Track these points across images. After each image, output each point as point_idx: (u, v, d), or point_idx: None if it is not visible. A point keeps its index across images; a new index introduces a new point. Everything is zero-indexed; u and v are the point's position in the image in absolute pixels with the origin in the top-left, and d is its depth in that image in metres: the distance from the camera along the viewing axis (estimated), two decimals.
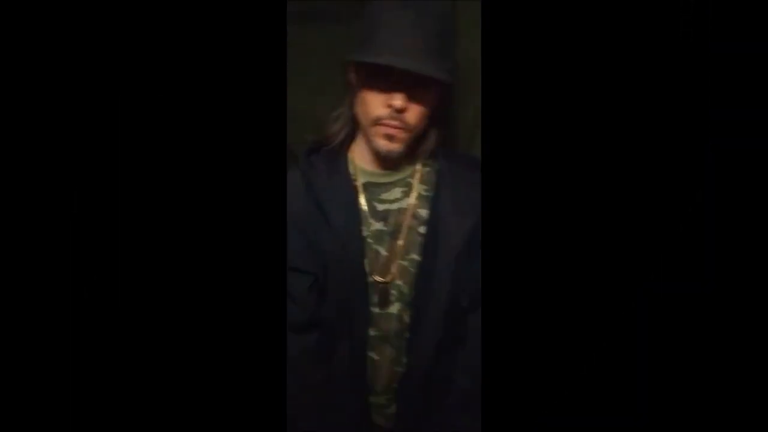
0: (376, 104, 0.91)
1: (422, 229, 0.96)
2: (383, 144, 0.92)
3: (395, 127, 0.91)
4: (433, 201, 0.97)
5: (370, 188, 0.98)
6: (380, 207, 0.97)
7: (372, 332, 0.94)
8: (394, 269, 0.95)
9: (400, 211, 0.97)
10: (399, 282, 0.95)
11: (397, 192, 0.98)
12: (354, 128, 0.99)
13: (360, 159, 1.00)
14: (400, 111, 0.89)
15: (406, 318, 0.94)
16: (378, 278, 0.95)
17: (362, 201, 0.97)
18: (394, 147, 0.92)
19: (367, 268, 0.94)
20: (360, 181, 0.98)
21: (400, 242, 0.95)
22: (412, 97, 0.90)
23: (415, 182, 0.98)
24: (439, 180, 0.99)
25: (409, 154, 0.97)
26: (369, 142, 0.95)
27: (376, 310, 0.94)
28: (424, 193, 0.98)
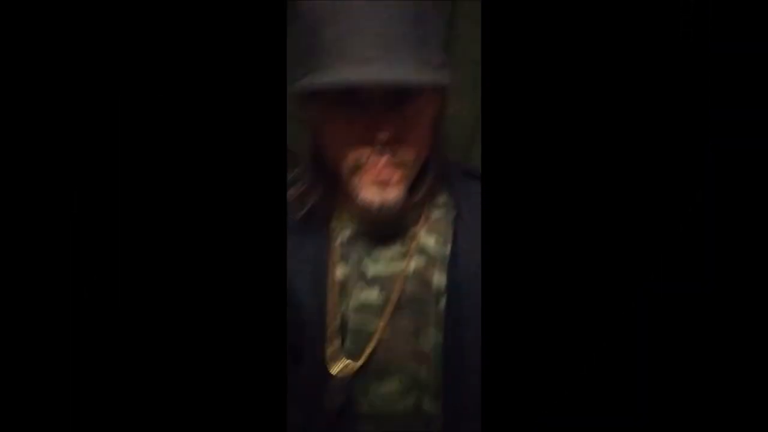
0: (350, 144, 0.64)
1: (438, 301, 0.68)
2: (373, 195, 0.64)
3: (386, 168, 0.64)
4: (450, 261, 0.69)
5: (358, 244, 0.70)
6: (373, 270, 0.69)
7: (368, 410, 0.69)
8: (395, 352, 0.68)
9: (396, 277, 0.68)
10: (413, 365, 0.68)
11: (393, 249, 0.70)
12: (326, 188, 0.70)
13: (343, 208, 0.72)
14: (388, 144, 0.63)
15: (429, 408, 0.69)
16: (340, 368, 0.68)
17: (346, 265, 0.70)
18: (391, 196, 0.64)
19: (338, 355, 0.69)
20: (344, 236, 0.70)
21: (405, 321, 0.68)
22: (400, 122, 0.63)
23: (421, 235, 0.70)
24: (457, 230, 0.70)
25: (409, 197, 0.68)
26: (353, 198, 0.66)
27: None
28: (432, 251, 0.70)
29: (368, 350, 0.68)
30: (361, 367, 0.68)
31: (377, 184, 0.64)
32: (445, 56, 0.66)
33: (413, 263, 0.69)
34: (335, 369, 0.69)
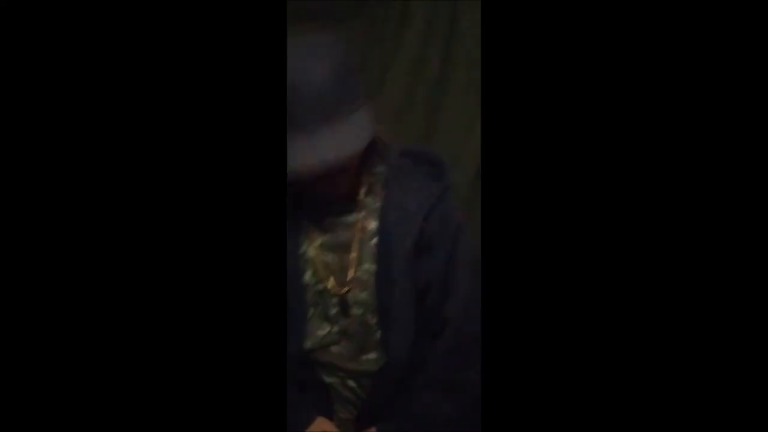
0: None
1: (373, 241, 0.97)
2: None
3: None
4: (382, 213, 0.97)
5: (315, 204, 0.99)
6: (326, 221, 0.98)
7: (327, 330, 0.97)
8: (349, 279, 0.96)
9: (348, 225, 0.98)
10: (357, 291, 0.96)
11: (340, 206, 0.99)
12: None
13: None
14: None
15: (372, 320, 0.96)
16: (335, 289, 0.97)
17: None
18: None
19: (311, 280, 0.97)
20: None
21: (353, 254, 0.97)
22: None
23: (362, 196, 0.98)
24: (387, 189, 0.98)
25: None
26: None
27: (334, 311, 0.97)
28: (371, 206, 0.98)
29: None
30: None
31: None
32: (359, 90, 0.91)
33: (357, 216, 0.99)
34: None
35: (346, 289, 0.96)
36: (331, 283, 0.97)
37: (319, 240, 0.98)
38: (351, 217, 0.98)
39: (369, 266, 0.97)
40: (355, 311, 0.96)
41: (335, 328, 0.97)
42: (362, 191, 0.98)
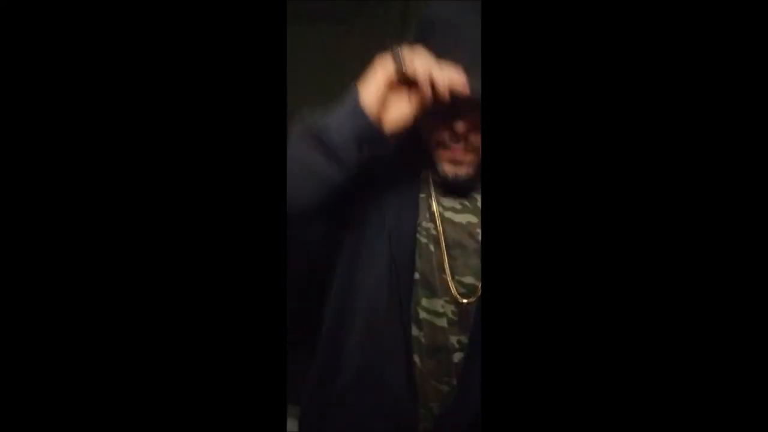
0: (435, 129, 0.83)
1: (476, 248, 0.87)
2: (449, 169, 0.85)
3: (461, 151, 0.84)
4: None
5: (434, 186, 0.90)
6: (435, 209, 0.89)
7: (416, 334, 0.88)
8: (448, 283, 0.87)
9: (454, 224, 0.89)
10: (448, 297, 0.87)
11: (453, 201, 0.90)
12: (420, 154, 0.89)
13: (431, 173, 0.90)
14: (463, 134, 0.82)
15: (458, 338, 0.87)
16: (459, 297, 0.87)
17: (422, 194, 0.90)
18: (462, 171, 0.85)
19: (417, 263, 0.88)
20: (429, 175, 0.90)
21: (453, 261, 0.87)
22: (476, 116, 0.80)
23: (479, 198, 0.88)
24: None
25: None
26: (435, 167, 0.87)
27: (422, 314, 0.88)
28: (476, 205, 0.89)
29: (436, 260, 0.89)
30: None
31: (452, 162, 0.85)
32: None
33: (466, 218, 0.90)
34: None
35: (470, 299, 0.86)
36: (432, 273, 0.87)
37: (426, 226, 0.88)
38: (461, 218, 0.89)
39: (472, 282, 0.87)
40: (442, 317, 0.87)
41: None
42: (477, 196, 0.88)
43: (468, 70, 0.76)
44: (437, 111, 0.81)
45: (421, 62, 0.76)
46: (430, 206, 0.89)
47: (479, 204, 0.89)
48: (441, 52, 0.78)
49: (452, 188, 0.89)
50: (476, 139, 0.83)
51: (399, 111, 0.80)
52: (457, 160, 0.84)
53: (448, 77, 0.75)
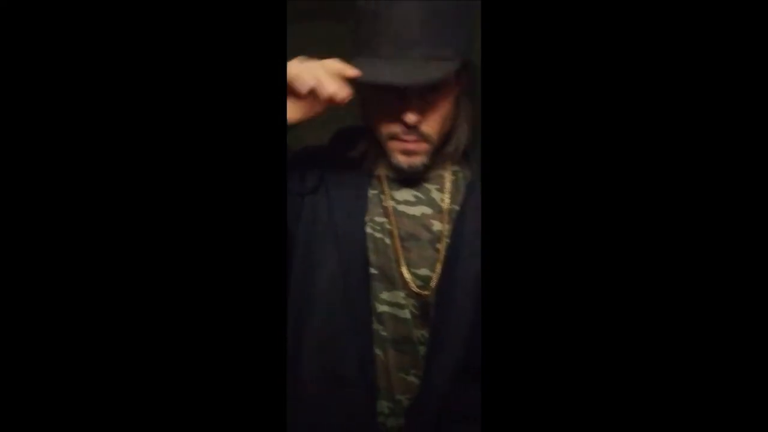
0: (387, 120, 0.85)
1: (438, 246, 0.88)
2: (403, 160, 0.87)
3: (413, 142, 0.86)
4: (457, 217, 0.89)
5: (385, 181, 0.92)
6: (388, 204, 0.91)
7: (378, 328, 0.89)
8: (405, 276, 0.88)
9: (408, 216, 0.90)
10: (406, 290, 0.88)
11: (406, 193, 0.91)
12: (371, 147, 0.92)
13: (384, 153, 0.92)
14: (415, 125, 0.84)
15: (419, 332, 0.88)
16: (417, 290, 0.88)
17: (372, 190, 0.91)
18: (416, 161, 0.87)
19: (373, 258, 0.89)
20: (381, 172, 0.92)
21: (408, 253, 0.89)
22: (426, 105, 0.84)
23: (434, 188, 0.91)
24: (468, 194, 0.90)
25: (437, 157, 0.90)
26: (389, 158, 0.89)
27: (382, 308, 0.89)
28: (443, 204, 0.91)
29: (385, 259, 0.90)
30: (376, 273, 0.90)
31: (405, 153, 0.86)
32: (465, 36, 0.85)
33: (420, 210, 0.91)
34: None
35: (427, 291, 0.87)
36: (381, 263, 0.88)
37: (380, 220, 0.90)
38: (415, 210, 0.90)
39: (426, 272, 0.88)
40: (404, 310, 0.88)
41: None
42: (439, 185, 0.91)
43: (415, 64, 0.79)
44: (386, 105, 0.84)
45: (298, 70, 0.78)
46: (382, 201, 0.91)
47: (432, 195, 0.91)
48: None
49: (406, 181, 0.91)
50: (427, 128, 0.85)
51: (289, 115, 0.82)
52: (410, 150, 0.86)
53: (329, 85, 0.76)
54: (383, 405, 0.88)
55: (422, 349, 0.88)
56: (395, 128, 0.85)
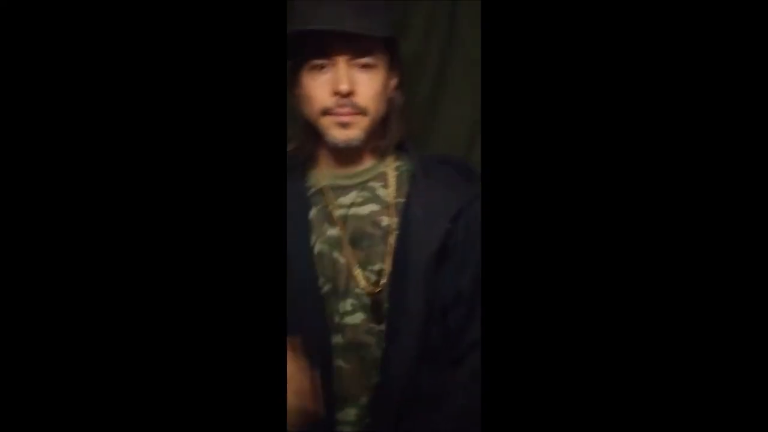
0: (320, 94, 0.85)
1: (389, 239, 0.89)
2: (339, 134, 0.86)
3: (347, 114, 0.85)
4: (404, 209, 0.89)
5: (329, 192, 0.92)
6: (336, 212, 0.90)
7: (338, 340, 0.88)
8: (357, 278, 0.89)
9: (358, 217, 0.90)
10: (359, 290, 0.89)
11: (353, 196, 0.91)
12: (308, 144, 0.92)
13: (324, 161, 0.93)
14: (348, 95, 0.84)
15: (376, 329, 0.88)
16: (367, 289, 0.88)
17: (315, 207, 0.91)
18: (352, 134, 0.86)
19: (323, 277, 0.88)
20: (321, 185, 0.92)
21: (362, 252, 0.89)
22: (358, 77, 0.85)
23: (378, 186, 0.92)
24: (412, 185, 0.91)
25: (374, 149, 0.91)
26: (325, 137, 0.88)
27: (338, 319, 0.88)
28: (388, 199, 0.91)
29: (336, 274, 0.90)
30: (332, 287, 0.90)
31: (340, 125, 0.86)
32: (391, 18, 0.89)
33: (369, 208, 0.91)
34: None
35: (377, 288, 0.87)
36: (335, 279, 0.88)
37: (330, 232, 0.90)
38: (363, 209, 0.90)
39: (379, 267, 0.89)
40: (357, 314, 0.88)
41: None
42: (382, 181, 0.91)
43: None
44: (317, 79, 0.85)
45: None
46: (331, 212, 0.91)
47: (378, 192, 0.91)
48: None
49: (349, 187, 0.91)
50: (361, 100, 0.85)
51: None
52: (346, 122, 0.85)
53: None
54: (350, 413, 0.88)
55: (378, 348, 0.88)
56: (328, 101, 0.85)
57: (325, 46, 0.84)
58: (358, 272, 0.89)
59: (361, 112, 0.86)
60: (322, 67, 0.85)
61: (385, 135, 0.91)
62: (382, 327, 0.88)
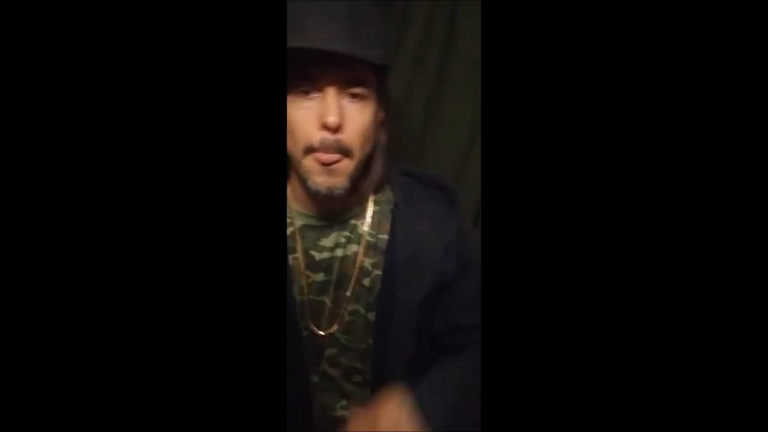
0: (305, 128, 0.75)
1: (366, 282, 0.84)
2: (322, 181, 0.76)
3: (332, 156, 0.75)
4: (388, 248, 0.84)
5: (307, 233, 0.85)
6: (319, 256, 0.84)
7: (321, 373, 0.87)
8: (339, 320, 0.84)
9: (344, 259, 0.85)
10: (345, 335, 0.86)
11: (335, 237, 0.85)
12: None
13: (295, 198, 0.85)
14: (336, 130, 0.74)
15: (361, 366, 0.87)
16: (315, 330, 0.85)
17: (298, 251, 0.85)
18: (337, 182, 0.77)
19: (311, 324, 0.85)
20: (296, 225, 0.85)
21: (348, 293, 0.85)
22: (347, 108, 0.75)
23: (360, 225, 0.85)
24: (395, 221, 0.85)
25: (353, 192, 0.82)
26: (303, 181, 0.79)
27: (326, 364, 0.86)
28: (371, 239, 0.85)
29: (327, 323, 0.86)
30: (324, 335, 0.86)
31: (326, 171, 0.76)
32: (384, 50, 0.78)
33: (349, 250, 0.85)
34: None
35: (330, 330, 0.84)
36: (321, 324, 0.84)
37: (313, 278, 0.84)
38: (347, 250, 0.85)
39: (359, 309, 0.85)
40: (345, 354, 0.86)
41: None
42: (363, 219, 0.85)
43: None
44: (304, 110, 0.76)
45: None
46: (305, 257, 0.85)
47: (360, 231, 0.85)
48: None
49: (326, 227, 0.84)
50: (348, 140, 0.75)
51: None
52: (330, 167, 0.76)
53: None
54: None
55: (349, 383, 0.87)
56: (313, 137, 0.75)
57: (317, 70, 0.75)
58: (341, 315, 0.85)
59: (347, 154, 0.77)
60: (307, 92, 0.76)
61: (367, 176, 0.83)
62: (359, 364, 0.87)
